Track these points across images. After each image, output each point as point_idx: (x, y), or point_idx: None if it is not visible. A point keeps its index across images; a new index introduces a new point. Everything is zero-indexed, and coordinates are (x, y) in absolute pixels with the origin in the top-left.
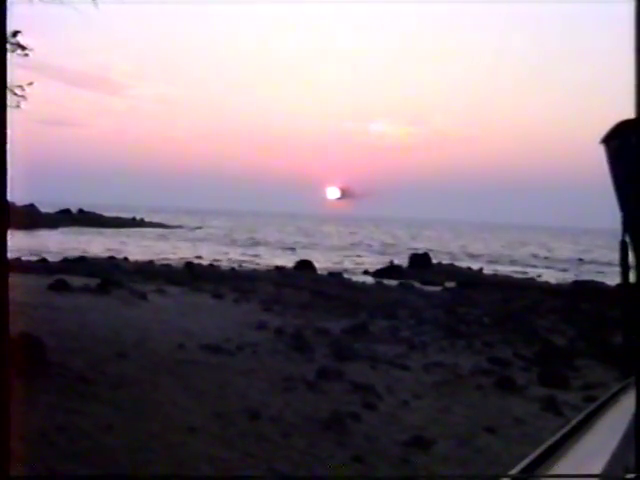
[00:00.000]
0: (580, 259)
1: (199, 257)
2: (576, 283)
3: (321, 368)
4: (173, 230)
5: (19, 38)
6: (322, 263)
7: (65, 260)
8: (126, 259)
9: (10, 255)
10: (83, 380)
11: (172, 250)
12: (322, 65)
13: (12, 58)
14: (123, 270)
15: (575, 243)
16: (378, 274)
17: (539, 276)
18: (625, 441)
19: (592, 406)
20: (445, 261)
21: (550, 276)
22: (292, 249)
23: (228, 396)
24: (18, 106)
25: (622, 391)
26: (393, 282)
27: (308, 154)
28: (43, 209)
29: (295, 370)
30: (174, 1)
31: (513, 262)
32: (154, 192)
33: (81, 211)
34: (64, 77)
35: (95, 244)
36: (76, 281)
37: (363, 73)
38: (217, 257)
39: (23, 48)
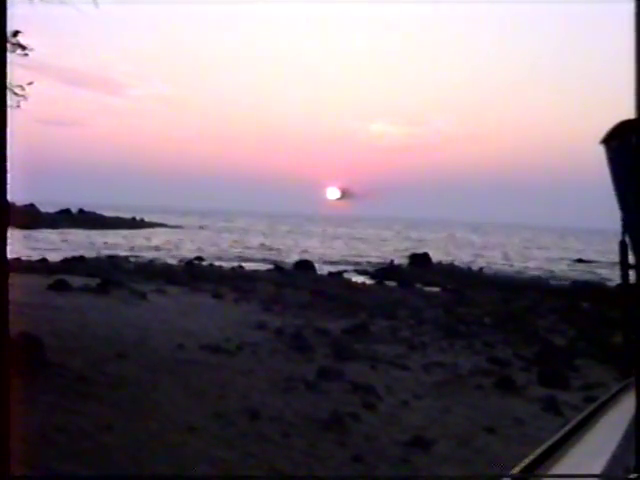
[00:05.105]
0: (580, 260)
1: (199, 258)
2: (576, 283)
3: (321, 368)
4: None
5: (19, 38)
6: None
7: (65, 260)
8: (126, 259)
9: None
10: (83, 380)
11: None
12: (322, 65)
13: (12, 58)
14: (123, 270)
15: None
16: (377, 274)
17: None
18: (625, 441)
19: (592, 406)
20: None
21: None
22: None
23: (228, 396)
24: (18, 106)
25: (622, 391)
26: (392, 282)
27: (308, 154)
28: (43, 209)
29: (295, 370)
30: (174, 1)
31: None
32: (154, 192)
33: (81, 211)
34: (64, 77)
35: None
36: (76, 281)
37: (363, 73)
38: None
39: (23, 48)
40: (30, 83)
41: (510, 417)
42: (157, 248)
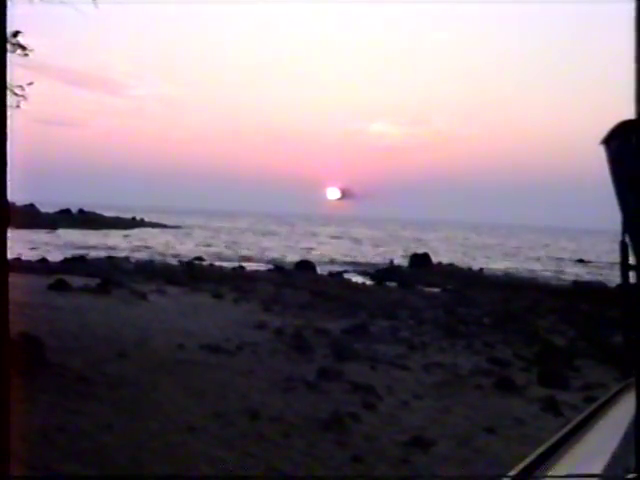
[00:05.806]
0: (580, 260)
1: (199, 258)
2: (576, 283)
3: (321, 368)
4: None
5: (19, 38)
6: None
7: (65, 260)
8: (126, 259)
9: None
10: (83, 380)
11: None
12: (322, 65)
13: (12, 58)
14: (123, 270)
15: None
16: (377, 274)
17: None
18: (625, 441)
19: (592, 406)
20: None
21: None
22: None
23: (228, 396)
24: (18, 106)
25: (622, 391)
26: (392, 282)
27: (308, 154)
28: (43, 209)
29: (295, 370)
30: (174, 1)
31: None
32: (154, 192)
33: (81, 211)
34: (64, 77)
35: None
36: (76, 281)
37: (363, 73)
38: None
39: (23, 48)
40: (30, 83)
41: (510, 417)
42: (157, 248)
